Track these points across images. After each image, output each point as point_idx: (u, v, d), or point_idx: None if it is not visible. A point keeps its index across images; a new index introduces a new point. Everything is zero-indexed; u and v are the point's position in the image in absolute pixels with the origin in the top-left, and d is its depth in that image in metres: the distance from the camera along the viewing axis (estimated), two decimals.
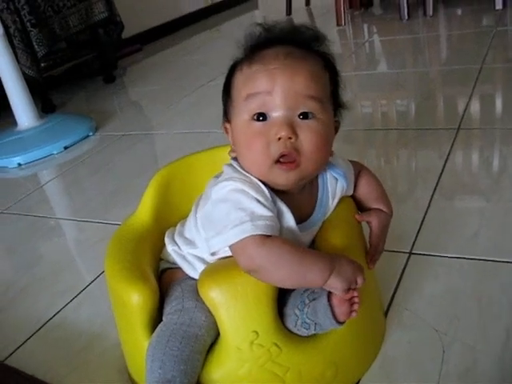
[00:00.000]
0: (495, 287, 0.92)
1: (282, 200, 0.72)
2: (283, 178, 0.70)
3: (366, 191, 0.85)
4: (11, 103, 2.18)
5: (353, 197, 0.85)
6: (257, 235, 0.66)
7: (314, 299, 0.70)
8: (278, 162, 0.69)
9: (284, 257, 0.66)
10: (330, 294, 0.69)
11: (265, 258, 0.66)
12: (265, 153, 0.69)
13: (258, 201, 0.69)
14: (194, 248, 0.81)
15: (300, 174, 0.70)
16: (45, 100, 2.65)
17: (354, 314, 0.68)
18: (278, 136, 0.68)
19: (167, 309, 0.76)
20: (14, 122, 2.22)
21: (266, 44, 0.72)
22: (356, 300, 0.68)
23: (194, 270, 0.81)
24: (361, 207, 0.85)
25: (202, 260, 0.80)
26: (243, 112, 0.71)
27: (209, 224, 0.73)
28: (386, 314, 0.91)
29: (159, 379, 0.67)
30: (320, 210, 0.78)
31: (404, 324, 0.88)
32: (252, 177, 0.71)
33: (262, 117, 0.69)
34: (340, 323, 0.69)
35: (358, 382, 0.80)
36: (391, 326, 0.88)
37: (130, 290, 0.75)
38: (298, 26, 0.75)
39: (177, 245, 0.84)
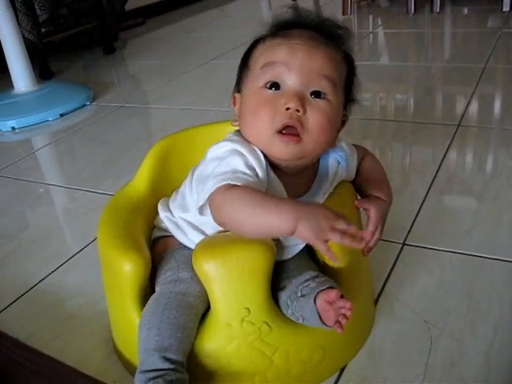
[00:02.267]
0: (486, 283, 0.93)
1: (275, 174, 0.72)
2: (282, 149, 0.69)
3: (367, 177, 0.84)
4: (9, 66, 2.15)
5: (354, 181, 0.85)
6: (229, 183, 0.66)
7: (303, 295, 0.69)
8: (280, 132, 0.68)
9: (245, 199, 0.64)
10: (317, 295, 0.67)
11: (227, 204, 0.65)
12: (269, 120, 0.69)
13: (250, 166, 0.69)
14: (185, 212, 0.80)
15: (300, 149, 0.69)
16: (43, 66, 2.61)
17: (344, 320, 0.65)
18: (287, 106, 0.68)
19: (161, 279, 0.76)
20: (11, 86, 2.18)
21: (293, 25, 0.74)
22: (346, 306, 0.64)
23: (185, 236, 0.81)
24: (361, 193, 0.85)
25: (193, 225, 0.79)
26: (258, 79, 0.71)
27: (200, 182, 0.74)
28: (376, 302, 0.91)
29: (156, 346, 0.67)
30: (316, 190, 0.78)
31: (394, 314, 0.88)
32: (252, 144, 0.72)
33: (274, 86, 0.70)
34: (328, 326, 0.66)
35: (344, 367, 0.80)
36: (381, 315, 0.88)
37: (123, 259, 0.74)
38: (330, 19, 0.76)
39: (169, 211, 0.84)
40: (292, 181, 0.75)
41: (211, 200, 0.68)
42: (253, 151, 0.70)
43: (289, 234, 0.63)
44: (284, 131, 0.68)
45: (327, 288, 0.68)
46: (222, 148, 0.72)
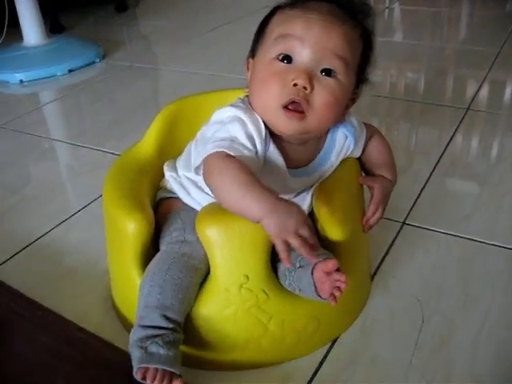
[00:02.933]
0: (481, 268, 0.94)
1: (275, 144, 0.73)
2: (286, 125, 0.70)
3: (373, 156, 0.85)
4: (20, 18, 2.12)
5: (360, 159, 0.85)
6: (225, 152, 0.67)
7: (301, 266, 0.70)
8: (285, 107, 0.69)
9: (233, 175, 0.65)
10: (315, 266, 0.67)
11: (216, 172, 0.67)
12: (276, 94, 0.69)
13: (248, 133, 0.70)
14: (189, 171, 0.81)
15: (303, 126, 0.70)
16: (54, 20, 2.59)
17: (337, 293, 0.66)
18: (295, 82, 0.68)
19: (167, 238, 0.77)
20: (21, 38, 2.16)
21: None
22: (341, 279, 0.65)
23: (188, 196, 0.81)
24: (366, 171, 0.85)
25: (196, 184, 0.80)
26: (271, 50, 0.71)
27: (200, 143, 0.77)
28: (372, 278, 0.92)
29: (158, 304, 0.68)
30: (321, 162, 0.78)
31: (388, 290, 0.90)
32: (256, 112, 0.72)
33: (286, 59, 0.70)
34: (323, 298, 0.67)
35: (337, 338, 0.81)
36: (376, 291, 0.89)
37: (127, 218, 0.75)
38: None
39: (175, 171, 0.84)
40: (296, 150, 0.76)
41: (205, 162, 0.69)
42: (255, 121, 0.71)
43: (254, 222, 0.65)
44: (290, 106, 0.69)
45: (323, 259, 0.68)
46: (226, 113, 0.73)
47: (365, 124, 0.85)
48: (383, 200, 0.80)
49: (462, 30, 2.49)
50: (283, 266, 0.73)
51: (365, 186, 0.84)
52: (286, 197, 0.75)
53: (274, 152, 0.73)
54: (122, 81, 1.98)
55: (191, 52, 2.25)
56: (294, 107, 0.68)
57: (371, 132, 0.85)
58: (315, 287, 0.68)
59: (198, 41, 2.39)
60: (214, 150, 0.68)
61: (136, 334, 0.67)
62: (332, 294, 0.66)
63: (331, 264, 0.65)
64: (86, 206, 1.19)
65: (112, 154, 1.41)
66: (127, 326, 0.82)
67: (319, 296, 0.68)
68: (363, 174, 0.84)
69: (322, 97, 0.69)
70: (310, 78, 0.68)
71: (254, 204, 0.64)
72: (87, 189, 1.25)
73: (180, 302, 0.69)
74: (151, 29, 2.71)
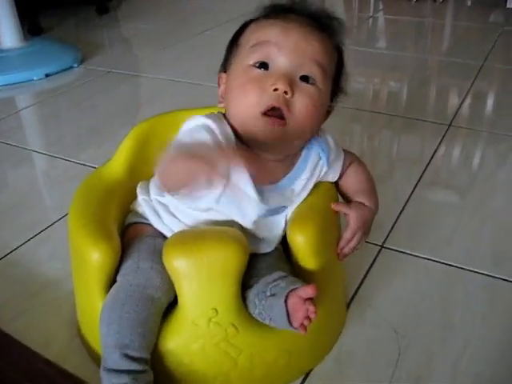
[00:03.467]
0: (460, 295, 0.92)
1: (250, 156, 0.71)
2: (266, 131, 0.67)
3: (352, 183, 0.82)
4: None
5: (338, 188, 0.82)
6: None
7: (273, 294, 0.66)
8: (265, 114, 0.67)
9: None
10: (288, 294, 0.64)
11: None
12: (256, 100, 0.67)
13: (216, 141, 0.67)
14: (161, 194, 0.78)
15: (284, 133, 0.68)
16: (32, 21, 2.53)
17: (307, 322, 0.63)
18: (275, 87, 0.66)
19: (123, 268, 0.73)
20: None
21: (287, 10, 0.73)
22: (311, 309, 0.62)
23: (160, 221, 0.79)
24: (345, 199, 0.83)
25: (167, 209, 0.78)
26: (246, 58, 0.70)
27: None
28: (348, 306, 0.90)
29: (117, 343, 0.65)
30: (290, 178, 0.76)
31: (365, 320, 0.87)
32: (226, 122, 0.70)
33: (263, 66, 0.68)
34: (294, 327, 0.64)
35: (310, 371, 0.79)
36: (351, 320, 0.87)
37: (92, 247, 0.71)
38: (324, 9, 0.74)
39: (148, 194, 0.81)
40: (268, 165, 0.74)
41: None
42: (224, 130, 0.69)
43: None
44: (270, 113, 0.66)
45: (300, 286, 0.65)
46: (194, 122, 0.70)
47: (345, 151, 0.82)
48: (360, 228, 0.77)
49: (446, 40, 2.48)
50: (252, 295, 0.69)
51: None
52: (255, 218, 0.73)
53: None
54: (100, 87, 1.94)
55: (173, 57, 2.22)
56: (274, 113, 0.66)
57: (351, 159, 0.83)
58: (288, 316, 0.64)
59: (181, 46, 2.35)
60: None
61: (104, 379, 0.64)
62: (302, 324, 0.63)
63: (311, 289, 0.62)
64: (59, 220, 1.15)
65: (87, 165, 1.37)
66: (92, 354, 0.79)
67: (291, 325, 0.65)
68: (338, 201, 0.82)
69: (302, 103, 0.67)
70: (291, 82, 0.66)
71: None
72: (61, 201, 1.22)
73: (140, 336, 0.65)
74: (133, 32, 2.67)
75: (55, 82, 2.00)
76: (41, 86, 1.97)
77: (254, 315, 0.70)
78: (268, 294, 0.67)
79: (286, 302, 0.64)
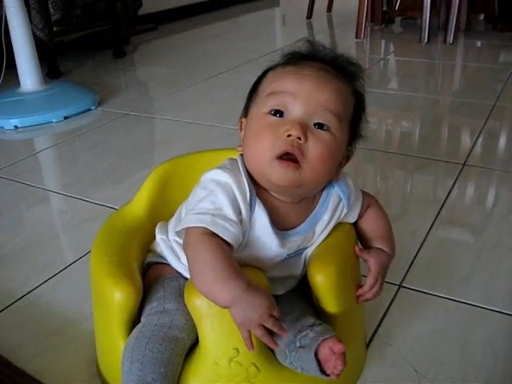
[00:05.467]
0: (481, 335, 0.91)
1: (264, 206, 0.72)
2: (280, 175, 0.68)
3: (371, 227, 0.83)
4: (17, 63, 2.13)
5: (356, 229, 0.83)
6: (206, 228, 0.67)
7: (302, 347, 0.67)
8: (279, 158, 0.68)
9: (207, 259, 0.66)
10: (319, 346, 0.66)
11: (192, 249, 0.68)
12: (270, 146, 0.68)
13: (233, 200, 0.69)
14: (179, 237, 0.79)
15: (298, 177, 0.68)
16: (51, 65, 2.61)
17: (335, 371, 0.65)
18: (288, 133, 0.67)
19: (147, 309, 0.74)
20: (18, 83, 2.17)
21: (306, 57, 0.74)
22: (338, 364, 0.64)
23: (177, 260, 0.80)
24: (362, 241, 0.83)
25: None
26: (263, 105, 0.71)
27: (185, 207, 0.77)
28: (367, 345, 0.89)
29: (139, 381, 0.65)
30: (311, 221, 0.76)
31: (384, 359, 0.87)
32: (243, 173, 0.72)
33: (278, 113, 0.70)
34: (327, 374, 0.66)
35: None
36: (371, 359, 0.86)
37: (114, 286, 0.72)
38: (343, 55, 0.76)
39: (166, 234, 0.83)
40: (289, 211, 0.74)
41: (186, 233, 0.70)
42: (240, 184, 0.70)
43: (221, 307, 0.66)
44: (284, 157, 0.68)
45: (331, 337, 0.66)
46: (212, 176, 0.72)
47: (363, 192, 0.83)
48: (380, 273, 0.78)
49: (457, 81, 2.51)
50: (283, 345, 0.69)
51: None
52: (274, 260, 0.74)
53: (259, 213, 0.71)
54: (117, 129, 1.98)
55: (187, 100, 2.26)
56: (288, 157, 0.67)
57: (369, 202, 0.83)
58: (319, 366, 0.66)
59: (195, 88, 2.40)
60: (196, 225, 0.68)
61: None
62: (334, 372, 0.65)
63: (339, 346, 0.65)
64: (76, 261, 1.16)
65: (105, 206, 1.39)
66: None
67: (323, 373, 0.66)
68: (359, 243, 0.82)
69: (316, 148, 0.68)
70: (304, 129, 0.67)
71: (222, 292, 0.65)
72: (78, 241, 1.23)
73: (162, 376, 0.66)
74: (148, 75, 2.73)
75: (73, 124, 2.04)
76: (59, 128, 2.02)
77: (284, 364, 0.71)
78: (298, 345, 0.68)
79: (316, 353, 0.66)
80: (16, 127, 2.01)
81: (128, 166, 1.64)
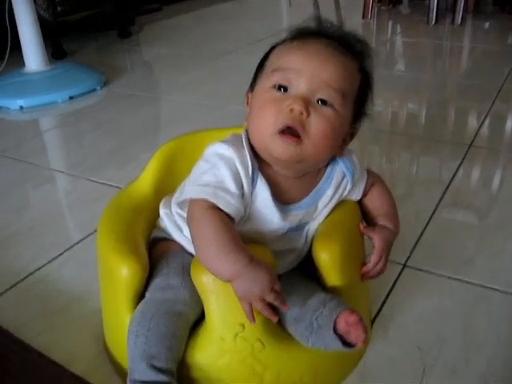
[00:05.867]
0: (484, 314, 0.91)
1: (266, 180, 0.72)
2: (281, 149, 0.69)
3: (375, 205, 0.83)
4: (22, 44, 2.13)
5: (361, 207, 0.83)
6: (209, 201, 0.68)
7: (320, 327, 0.68)
8: (281, 132, 0.68)
9: (211, 233, 0.67)
10: (336, 321, 0.67)
11: (196, 222, 0.69)
12: (272, 120, 0.69)
13: (235, 173, 0.70)
14: (181, 209, 0.80)
15: (299, 152, 0.68)
16: (56, 45, 2.60)
17: (360, 340, 0.66)
18: (291, 108, 0.68)
19: (152, 285, 0.75)
20: (22, 64, 2.17)
21: (314, 33, 0.74)
22: (359, 334, 0.65)
23: (181, 233, 0.81)
24: (367, 219, 0.83)
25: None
26: (267, 80, 0.72)
27: (188, 179, 0.77)
28: (371, 323, 0.90)
29: (144, 355, 0.67)
30: (314, 196, 0.77)
31: (388, 337, 0.87)
32: (246, 148, 0.72)
33: (283, 88, 0.70)
34: (351, 346, 0.66)
35: None
36: (375, 338, 0.87)
37: (121, 263, 0.73)
38: (351, 32, 0.76)
39: (169, 208, 0.83)
40: (291, 185, 0.75)
41: (189, 206, 0.71)
42: (242, 158, 0.71)
43: (223, 280, 0.67)
44: (285, 131, 0.68)
45: (343, 310, 0.67)
46: (215, 149, 0.73)
47: (367, 170, 0.83)
48: (385, 250, 0.78)
49: (464, 62, 2.49)
50: (301, 328, 0.70)
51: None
52: (276, 233, 0.75)
53: (261, 187, 0.72)
54: (122, 109, 1.98)
55: (193, 81, 2.25)
56: (289, 132, 0.68)
57: (373, 180, 0.84)
58: (342, 340, 0.66)
59: (201, 69, 2.39)
60: (199, 197, 0.69)
61: None
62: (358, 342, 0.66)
63: (353, 318, 0.66)
64: (82, 239, 1.17)
65: (110, 185, 1.39)
66: (119, 369, 0.80)
67: (348, 346, 0.67)
68: (363, 221, 0.82)
69: (318, 123, 0.68)
70: (306, 104, 0.68)
71: (224, 265, 0.66)
72: (84, 221, 1.24)
73: (167, 349, 0.67)
74: (153, 56, 2.72)
75: (79, 105, 2.05)
76: (65, 109, 2.02)
77: (308, 346, 0.71)
78: (315, 325, 0.69)
79: (334, 328, 0.67)
80: (21, 108, 2.01)
81: (133, 147, 1.64)
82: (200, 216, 0.68)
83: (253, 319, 0.66)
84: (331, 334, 0.66)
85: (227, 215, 0.69)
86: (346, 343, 0.66)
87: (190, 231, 0.70)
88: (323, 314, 0.69)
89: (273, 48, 0.76)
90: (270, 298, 0.65)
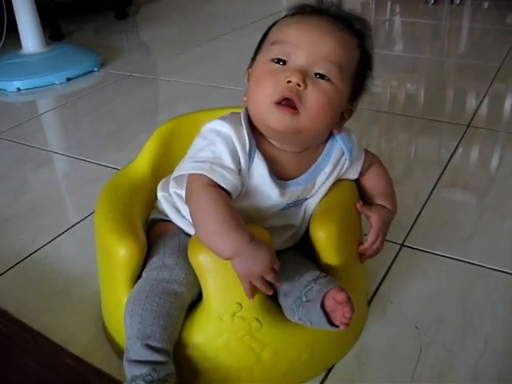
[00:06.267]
0: (481, 294, 0.92)
1: (264, 156, 0.72)
2: (278, 120, 0.69)
3: (373, 184, 0.83)
4: (19, 25, 2.11)
5: (359, 187, 0.83)
6: (207, 177, 0.68)
7: (308, 300, 0.68)
8: (278, 103, 0.68)
9: (210, 210, 0.67)
10: (324, 297, 0.67)
11: (195, 200, 0.69)
12: (269, 91, 0.69)
13: (233, 150, 0.70)
14: (179, 188, 0.80)
15: (296, 123, 0.69)
16: (53, 27, 2.58)
17: (344, 319, 0.65)
18: (288, 79, 0.68)
19: (148, 265, 0.75)
20: (19, 46, 2.15)
21: (316, 10, 0.75)
22: (346, 315, 0.65)
23: (178, 214, 0.81)
24: (364, 199, 0.83)
25: (184, 200, 0.78)
26: (267, 54, 0.72)
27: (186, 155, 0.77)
28: (369, 303, 0.90)
29: (139, 334, 0.67)
30: (313, 172, 0.77)
31: (386, 317, 0.88)
32: (244, 124, 0.72)
33: (281, 62, 0.70)
34: (336, 326, 0.66)
35: (332, 367, 0.79)
36: (373, 317, 0.88)
37: (118, 243, 0.73)
38: (351, 12, 0.75)
39: (167, 190, 0.83)
40: (290, 160, 0.75)
41: (188, 183, 0.71)
42: (240, 135, 0.71)
43: (223, 258, 0.67)
44: (282, 102, 0.68)
45: (333, 288, 0.67)
46: (213, 126, 0.73)
47: (365, 150, 0.83)
48: (382, 229, 0.78)
49: (463, 42, 2.48)
50: (289, 302, 0.71)
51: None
52: (273, 209, 0.75)
53: (258, 164, 0.72)
54: (120, 90, 1.97)
55: (191, 61, 2.24)
56: (286, 103, 0.68)
57: (371, 160, 0.83)
58: (327, 317, 0.67)
59: (198, 50, 2.38)
60: (196, 172, 0.69)
61: (126, 371, 0.67)
62: (342, 322, 0.65)
63: (342, 296, 0.66)
64: (81, 221, 1.17)
65: (109, 167, 1.39)
66: (117, 350, 0.81)
67: (332, 325, 0.66)
68: (360, 201, 0.82)
69: (315, 95, 0.68)
70: (304, 76, 0.68)
71: (225, 243, 0.67)
72: (83, 202, 1.24)
73: (161, 328, 0.67)
74: (151, 36, 2.70)
75: (76, 86, 2.03)
76: (62, 90, 2.01)
77: (293, 320, 0.72)
78: (304, 299, 0.69)
79: (322, 305, 0.67)
80: (19, 89, 2.00)
81: (132, 128, 1.63)
82: (199, 193, 0.69)
83: (252, 296, 0.67)
84: (318, 308, 0.66)
85: (225, 191, 0.69)
86: (332, 323, 0.66)
87: (190, 208, 0.71)
88: (313, 289, 0.69)
89: (274, 24, 0.76)
90: (270, 277, 0.66)
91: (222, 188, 0.69)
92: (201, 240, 0.69)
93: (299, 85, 0.67)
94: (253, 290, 0.67)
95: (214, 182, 0.68)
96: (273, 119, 0.69)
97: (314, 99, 0.68)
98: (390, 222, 0.81)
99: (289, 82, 0.68)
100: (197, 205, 0.69)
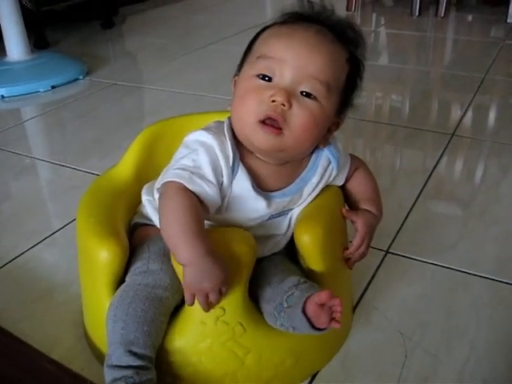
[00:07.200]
0: (466, 300, 0.92)
1: (247, 168, 0.72)
2: (262, 140, 0.68)
3: (358, 189, 0.83)
4: (3, 33, 2.09)
5: (344, 191, 0.83)
6: (183, 184, 0.67)
7: (289, 306, 0.67)
8: (262, 122, 0.67)
9: (179, 216, 0.66)
10: (305, 302, 0.65)
11: (167, 199, 0.68)
12: (253, 109, 0.68)
13: (215, 161, 0.69)
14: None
15: (279, 143, 0.68)
16: (39, 35, 2.56)
17: (335, 324, 0.64)
18: (273, 99, 0.67)
19: (132, 269, 0.74)
20: (4, 53, 2.14)
21: (306, 17, 0.72)
22: (337, 309, 0.64)
23: None
24: (350, 204, 0.83)
25: None
26: (252, 68, 0.70)
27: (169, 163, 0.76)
28: (354, 309, 0.90)
29: (121, 340, 0.65)
30: (299, 183, 0.76)
31: (370, 323, 0.87)
32: (228, 136, 0.71)
33: (266, 78, 0.69)
34: (319, 330, 0.65)
35: (316, 373, 0.79)
36: (357, 323, 0.87)
37: (100, 246, 0.72)
38: (345, 19, 0.74)
39: (151, 194, 0.82)
40: (275, 172, 0.74)
41: (163, 186, 0.70)
42: (223, 147, 0.70)
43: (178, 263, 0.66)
44: (266, 122, 0.67)
45: (314, 293, 0.66)
46: (196, 136, 0.72)
47: (351, 155, 0.83)
48: (367, 235, 0.78)
49: (447, 54, 2.50)
50: (271, 308, 0.70)
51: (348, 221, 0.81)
52: (257, 220, 0.75)
53: (241, 176, 0.71)
54: (105, 99, 1.96)
55: (176, 70, 2.23)
56: (270, 123, 0.67)
57: (357, 164, 0.83)
58: (310, 323, 0.65)
59: (184, 59, 2.37)
60: (173, 180, 0.68)
61: (106, 375, 0.65)
62: (333, 319, 0.64)
63: (324, 296, 0.64)
64: (63, 227, 1.16)
65: (92, 173, 1.38)
66: (98, 355, 0.79)
67: (317, 329, 0.65)
68: (346, 206, 0.82)
69: (299, 116, 0.67)
70: (289, 95, 0.66)
71: (181, 248, 0.65)
72: (65, 208, 1.22)
73: (145, 334, 0.66)
74: (137, 46, 2.70)
75: (61, 94, 2.02)
76: (47, 98, 1.99)
77: (275, 326, 0.70)
78: (285, 305, 0.68)
79: (303, 310, 0.65)
80: (2, 97, 1.98)
81: (116, 136, 1.62)
82: (172, 193, 0.68)
83: (191, 305, 0.66)
84: (299, 313, 0.65)
85: (200, 201, 0.68)
86: (316, 327, 0.65)
87: (159, 206, 0.70)
88: (294, 295, 0.68)
89: (262, 30, 0.74)
90: (214, 298, 0.65)
91: (198, 199, 0.68)
92: (163, 237, 0.68)
93: (284, 104, 0.66)
94: (194, 299, 0.65)
95: (191, 191, 0.67)
96: (257, 138, 0.68)
97: (299, 119, 0.67)
98: (376, 227, 0.80)
99: (273, 101, 0.66)
100: (166, 204, 0.68)
